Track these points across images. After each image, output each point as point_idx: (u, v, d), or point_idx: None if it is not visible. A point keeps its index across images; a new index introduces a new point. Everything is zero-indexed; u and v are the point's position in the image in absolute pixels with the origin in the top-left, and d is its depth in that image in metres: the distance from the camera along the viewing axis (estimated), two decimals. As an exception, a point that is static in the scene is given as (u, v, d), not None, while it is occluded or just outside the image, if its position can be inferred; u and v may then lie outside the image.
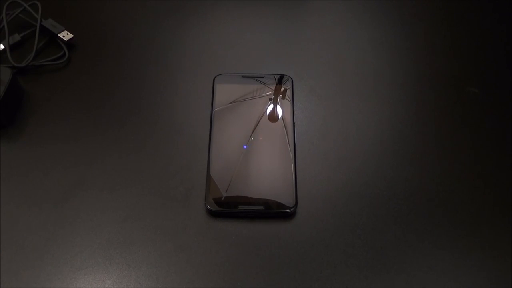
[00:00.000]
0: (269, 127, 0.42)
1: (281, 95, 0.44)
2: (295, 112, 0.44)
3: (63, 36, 0.48)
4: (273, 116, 0.43)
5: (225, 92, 0.44)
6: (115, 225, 0.38)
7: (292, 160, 0.40)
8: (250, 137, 0.42)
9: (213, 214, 0.39)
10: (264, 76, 0.45)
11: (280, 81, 0.45)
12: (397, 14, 0.52)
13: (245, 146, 0.41)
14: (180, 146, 0.42)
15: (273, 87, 0.45)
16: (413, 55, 0.49)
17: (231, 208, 0.38)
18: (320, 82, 0.47)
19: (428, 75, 0.47)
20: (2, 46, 0.47)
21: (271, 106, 0.44)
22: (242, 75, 0.46)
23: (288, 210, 0.38)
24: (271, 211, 0.38)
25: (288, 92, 0.45)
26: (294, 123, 0.43)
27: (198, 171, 0.41)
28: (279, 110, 0.43)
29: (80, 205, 0.39)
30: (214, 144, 0.41)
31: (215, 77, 0.45)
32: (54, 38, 0.49)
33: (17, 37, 0.48)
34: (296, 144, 0.42)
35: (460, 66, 0.48)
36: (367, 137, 0.43)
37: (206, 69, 0.47)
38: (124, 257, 0.37)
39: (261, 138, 0.42)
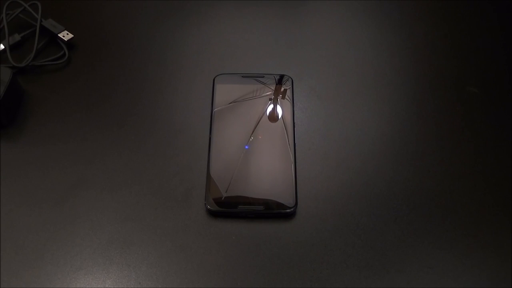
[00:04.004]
0: (269, 127, 0.42)
1: (281, 95, 0.44)
2: (295, 112, 0.44)
3: (63, 36, 0.48)
4: (273, 116, 0.43)
5: (225, 92, 0.44)
6: (115, 225, 0.38)
7: (292, 160, 0.40)
8: (250, 137, 0.42)
9: (213, 214, 0.39)
10: (264, 76, 0.45)
11: (280, 81, 0.45)
12: (397, 14, 0.52)
13: (246, 147, 0.41)
14: (180, 146, 0.42)
15: (273, 87, 0.45)
16: (413, 55, 0.49)
17: (231, 208, 0.38)
18: (320, 82, 0.47)
19: (428, 75, 0.47)
20: (2, 46, 0.47)
21: (271, 106, 0.44)
22: (242, 75, 0.46)
23: (288, 210, 0.38)
24: (271, 211, 0.38)
25: (288, 92, 0.45)
26: (294, 123, 0.43)
27: (198, 171, 0.41)
28: (279, 110, 0.43)
29: (80, 205, 0.39)
30: (214, 144, 0.41)
31: (215, 77, 0.45)
32: (54, 38, 0.49)
33: (17, 37, 0.48)
34: (296, 144, 0.42)
35: (460, 66, 0.48)
36: (367, 137, 0.43)
37: (206, 69, 0.47)
38: (124, 257, 0.37)
39: (260, 138, 0.42)
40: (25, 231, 0.38)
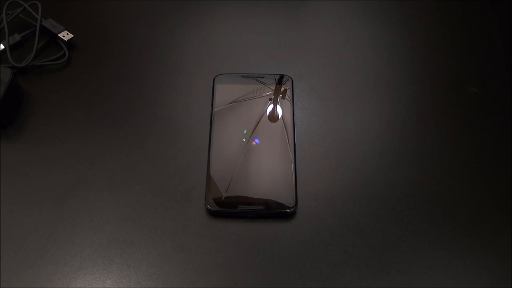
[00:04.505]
0: (269, 127, 0.42)
1: (281, 95, 0.44)
2: (295, 112, 0.44)
3: (63, 36, 0.48)
4: (273, 116, 0.43)
5: (225, 92, 0.44)
6: (115, 225, 0.38)
7: (292, 160, 0.40)
8: (250, 137, 0.42)
9: (213, 214, 0.39)
10: (264, 76, 0.45)
11: (280, 81, 0.45)
12: (397, 14, 0.52)
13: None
14: (180, 146, 0.42)
15: (273, 87, 0.45)
16: (413, 55, 0.49)
17: (231, 208, 0.38)
18: (320, 82, 0.47)
19: (428, 75, 0.47)
20: (2, 46, 0.47)
21: (271, 106, 0.44)
22: (242, 75, 0.46)
23: (288, 210, 0.38)
24: (271, 211, 0.38)
25: (288, 92, 0.45)
26: (294, 123, 0.43)
27: (198, 171, 0.41)
28: (279, 110, 0.43)
29: (80, 205, 0.39)
30: (214, 144, 0.41)
31: (215, 77, 0.45)
32: (54, 38, 0.49)
33: (17, 37, 0.48)
34: (296, 144, 0.42)
35: (460, 66, 0.48)
36: (367, 137, 0.43)
37: (206, 69, 0.47)
38: (124, 257, 0.37)
39: (261, 138, 0.42)
40: (25, 231, 0.38)
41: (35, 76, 0.47)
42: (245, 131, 0.41)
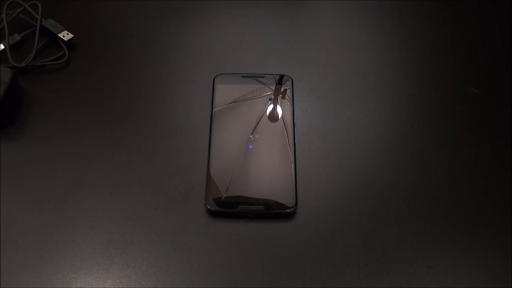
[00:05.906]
0: (269, 127, 0.42)
1: (281, 95, 0.44)
2: (295, 112, 0.44)
3: (63, 36, 0.48)
4: (273, 116, 0.43)
5: (225, 92, 0.44)
6: (115, 225, 0.38)
7: (292, 160, 0.40)
8: (250, 137, 0.42)
9: (213, 214, 0.39)
10: (264, 76, 0.45)
11: (280, 81, 0.45)
12: (397, 14, 0.52)
13: (250, 146, 0.41)
14: (180, 146, 0.42)
15: (273, 87, 0.45)
16: (413, 55, 0.49)
17: (231, 208, 0.38)
18: (320, 82, 0.47)
19: (428, 75, 0.47)
20: (2, 46, 0.47)
21: (271, 106, 0.44)
22: (242, 75, 0.46)
23: (288, 210, 0.38)
24: (271, 211, 0.38)
25: (288, 92, 0.45)
26: (294, 123, 0.43)
27: (198, 171, 0.41)
28: (279, 110, 0.43)
29: (80, 205, 0.39)
30: (214, 144, 0.41)
31: (215, 77, 0.45)
32: (54, 38, 0.49)
33: (17, 37, 0.48)
34: (296, 144, 0.42)
35: (460, 66, 0.48)
36: (367, 137, 0.43)
37: (206, 69, 0.47)
38: (124, 257, 0.37)
39: (261, 138, 0.42)
40: (25, 231, 0.38)
41: (35, 76, 0.47)
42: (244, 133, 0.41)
